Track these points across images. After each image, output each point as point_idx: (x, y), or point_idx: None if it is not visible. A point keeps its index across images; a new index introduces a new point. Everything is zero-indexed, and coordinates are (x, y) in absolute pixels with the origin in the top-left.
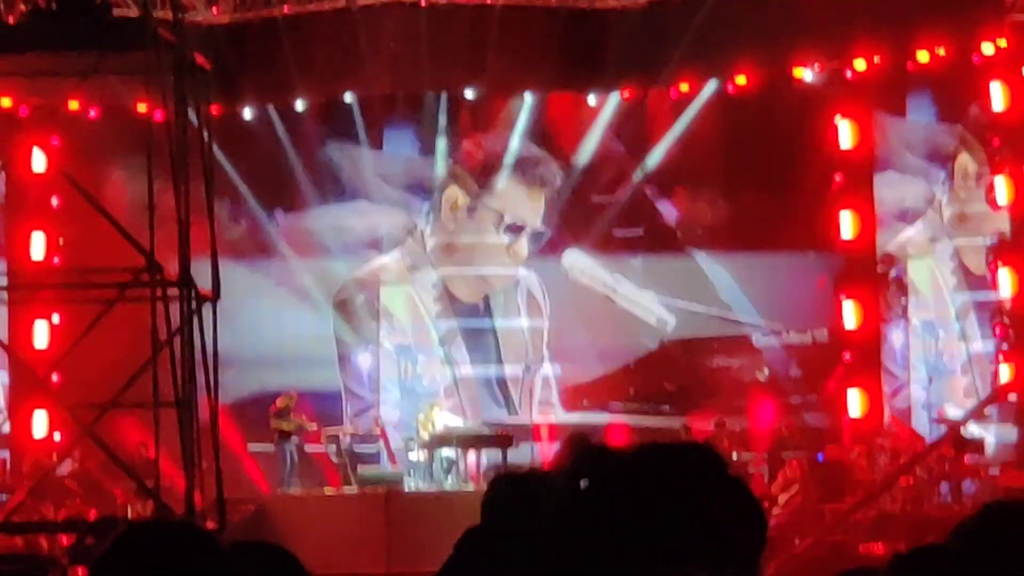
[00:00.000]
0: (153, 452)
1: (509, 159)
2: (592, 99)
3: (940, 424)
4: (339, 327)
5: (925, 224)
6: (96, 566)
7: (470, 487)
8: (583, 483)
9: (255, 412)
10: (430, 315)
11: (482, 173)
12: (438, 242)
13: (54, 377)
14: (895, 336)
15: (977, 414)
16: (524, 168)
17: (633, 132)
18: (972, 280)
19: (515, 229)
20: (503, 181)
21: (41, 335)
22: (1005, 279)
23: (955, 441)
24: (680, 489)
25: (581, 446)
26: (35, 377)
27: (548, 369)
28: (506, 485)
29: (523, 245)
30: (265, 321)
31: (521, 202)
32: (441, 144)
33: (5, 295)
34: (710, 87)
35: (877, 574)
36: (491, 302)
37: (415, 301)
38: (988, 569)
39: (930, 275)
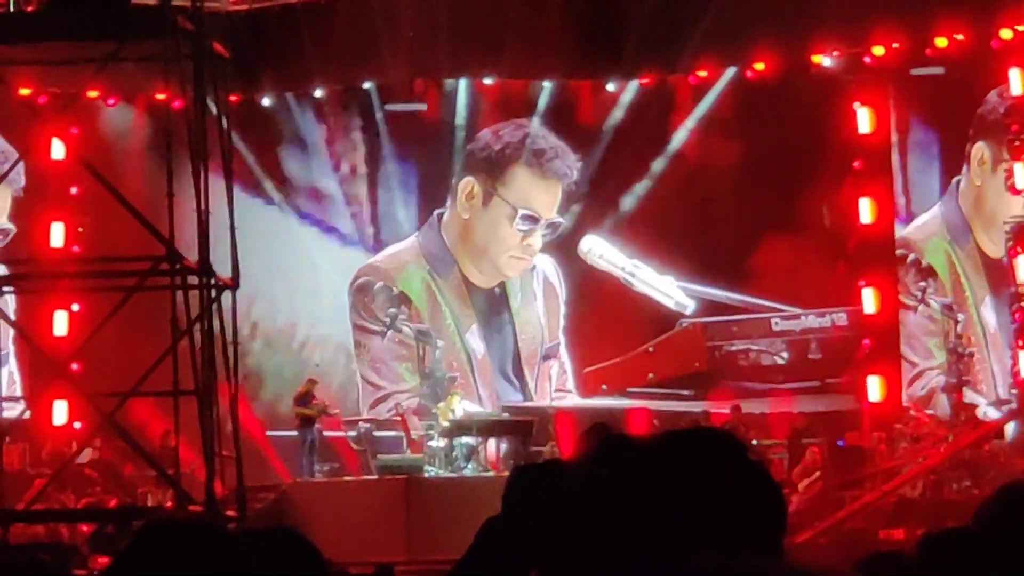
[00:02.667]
0: (168, 440)
1: (527, 148)
2: (611, 86)
3: (962, 410)
4: (356, 312)
5: (942, 209)
6: (115, 565)
7: (490, 474)
8: (603, 471)
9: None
10: (446, 301)
11: (499, 162)
12: (454, 230)
13: (74, 366)
14: (914, 321)
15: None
16: (541, 159)
17: (652, 118)
18: (989, 264)
19: (530, 220)
20: (519, 171)
21: (61, 324)
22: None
23: (974, 426)
24: (699, 474)
25: (601, 435)
26: (55, 366)
27: (564, 355)
28: (527, 474)
29: (537, 238)
30: (283, 307)
31: (536, 194)
32: (459, 131)
33: (26, 284)
34: (729, 73)
35: (903, 558)
36: (507, 288)
37: (432, 287)
38: (1014, 550)
39: (947, 260)
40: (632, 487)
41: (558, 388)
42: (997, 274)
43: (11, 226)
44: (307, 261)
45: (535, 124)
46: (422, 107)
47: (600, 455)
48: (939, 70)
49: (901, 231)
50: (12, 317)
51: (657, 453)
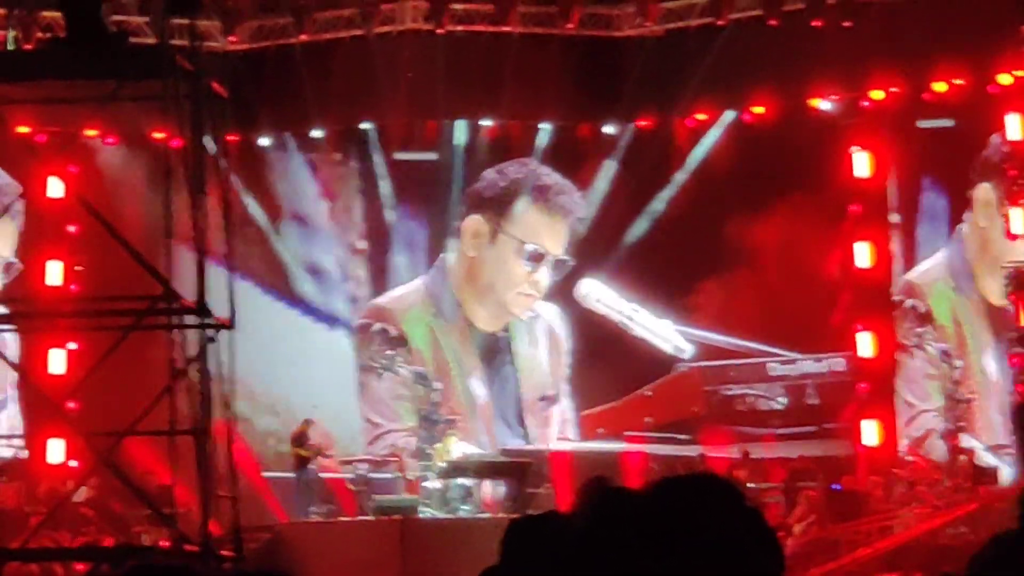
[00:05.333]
0: (160, 479)
1: (532, 185)
2: (609, 128)
3: (959, 455)
4: (359, 354)
5: (945, 255)
6: None
7: (486, 515)
8: (601, 522)
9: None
10: (450, 345)
11: (505, 198)
12: (460, 270)
13: (71, 404)
14: (910, 364)
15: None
16: (547, 195)
17: (650, 161)
18: (992, 312)
19: (536, 258)
20: (525, 208)
21: (58, 362)
22: None
23: (972, 471)
24: (696, 522)
25: (599, 488)
26: (52, 404)
27: (566, 403)
28: (524, 525)
29: (544, 274)
30: (283, 348)
31: (542, 230)
32: (458, 173)
33: (23, 322)
34: (727, 117)
35: None
36: (512, 332)
37: (436, 331)
38: None
39: (950, 307)
40: (629, 537)
41: (560, 437)
42: (1000, 321)
43: (18, 262)
44: (308, 303)
45: (536, 162)
46: (430, 156)
47: (597, 508)
48: (949, 122)
49: (904, 276)
50: (14, 355)
51: (654, 502)
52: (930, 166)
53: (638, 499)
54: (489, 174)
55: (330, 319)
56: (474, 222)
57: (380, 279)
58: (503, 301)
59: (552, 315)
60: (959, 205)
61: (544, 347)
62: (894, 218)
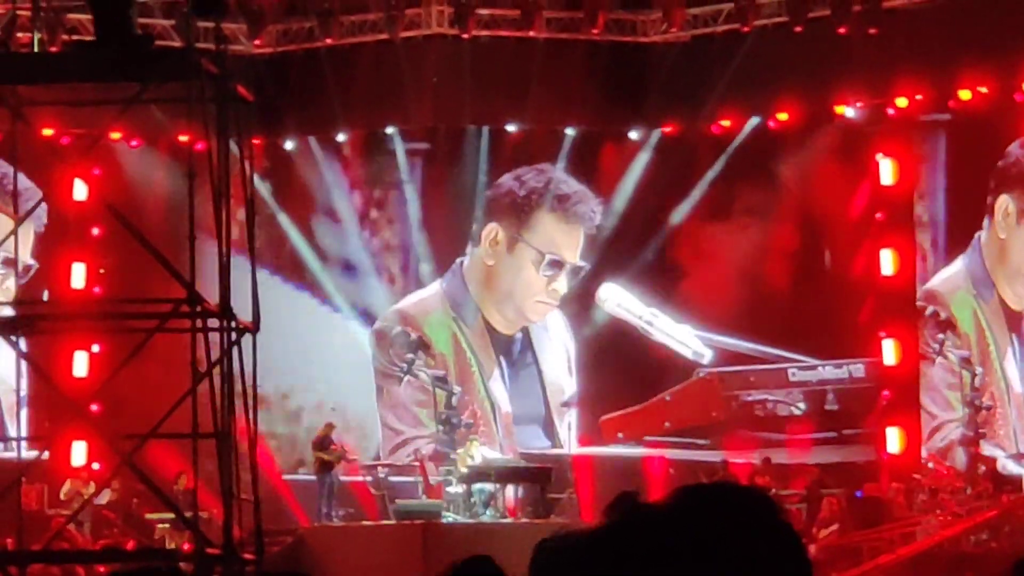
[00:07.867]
0: (191, 482)
1: (551, 193)
2: (634, 134)
3: (979, 462)
4: (378, 358)
5: (965, 263)
6: None
7: (508, 520)
8: (624, 541)
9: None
10: (471, 348)
11: (523, 207)
12: (477, 276)
13: (94, 407)
14: (932, 373)
15: None
16: (565, 204)
17: (674, 168)
18: (1012, 318)
19: (554, 265)
20: (543, 217)
21: (81, 365)
22: None
23: (993, 479)
24: (728, 542)
25: (626, 505)
26: (75, 407)
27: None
28: (553, 547)
29: (562, 282)
30: (305, 350)
31: (561, 238)
32: (482, 178)
33: (47, 324)
34: (752, 123)
35: None
36: (532, 336)
37: (457, 335)
38: None
39: (972, 314)
40: (654, 556)
41: (578, 436)
42: (1020, 328)
43: (33, 262)
44: (326, 305)
45: (557, 169)
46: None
47: (624, 526)
48: (945, 115)
49: (926, 284)
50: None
51: (680, 518)
52: (953, 173)
53: (664, 514)
54: (507, 181)
55: (353, 321)
56: (492, 230)
57: (401, 282)
58: (521, 308)
59: (559, 322)
60: (978, 212)
61: (561, 351)
62: (918, 224)
